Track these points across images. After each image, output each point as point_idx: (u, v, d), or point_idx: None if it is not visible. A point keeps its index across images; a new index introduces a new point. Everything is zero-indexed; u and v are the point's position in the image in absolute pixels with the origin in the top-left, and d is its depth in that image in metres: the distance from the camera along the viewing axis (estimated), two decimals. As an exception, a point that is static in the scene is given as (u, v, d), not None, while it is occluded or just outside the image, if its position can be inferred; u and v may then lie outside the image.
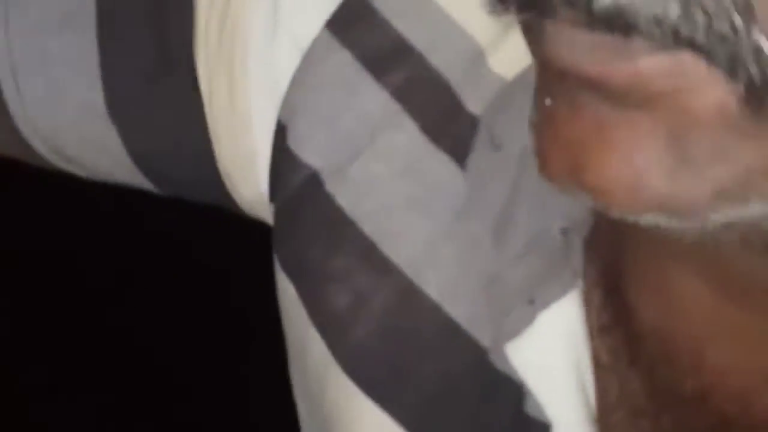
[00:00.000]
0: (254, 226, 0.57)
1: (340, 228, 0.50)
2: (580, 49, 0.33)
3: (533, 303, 0.46)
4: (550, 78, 0.35)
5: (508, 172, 0.47)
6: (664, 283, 0.44)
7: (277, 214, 0.52)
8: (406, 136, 0.49)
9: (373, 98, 0.50)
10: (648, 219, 0.35)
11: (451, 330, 0.49)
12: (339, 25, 0.50)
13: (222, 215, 0.60)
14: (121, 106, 0.53)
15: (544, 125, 0.36)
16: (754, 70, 0.32)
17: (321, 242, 0.50)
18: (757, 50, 0.32)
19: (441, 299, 0.49)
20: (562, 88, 0.35)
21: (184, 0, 0.52)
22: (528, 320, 0.46)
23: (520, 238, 0.47)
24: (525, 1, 0.34)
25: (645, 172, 0.34)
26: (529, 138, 0.37)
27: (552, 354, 0.46)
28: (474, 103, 0.49)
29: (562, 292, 0.46)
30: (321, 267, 0.51)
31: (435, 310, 0.49)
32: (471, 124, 0.49)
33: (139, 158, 0.54)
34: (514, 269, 0.47)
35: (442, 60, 0.49)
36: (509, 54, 0.48)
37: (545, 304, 0.46)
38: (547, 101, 0.35)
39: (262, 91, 0.51)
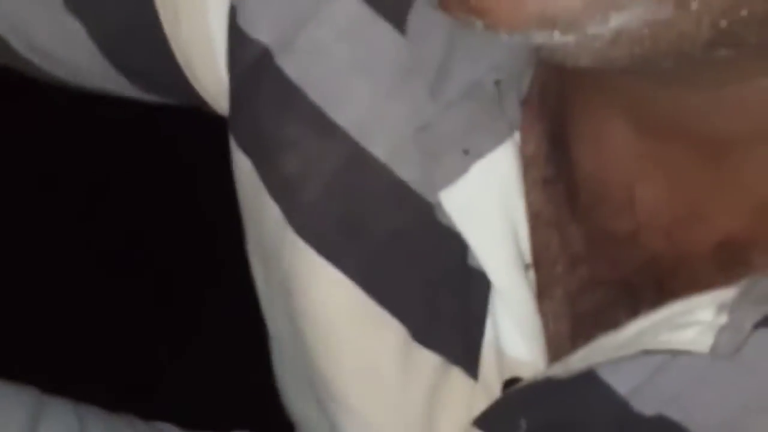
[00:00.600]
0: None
1: (289, 98, 0.52)
2: None
3: (468, 153, 0.48)
4: None
5: (445, 27, 0.49)
6: (598, 131, 0.47)
7: (232, 93, 0.54)
8: (349, 4, 0.51)
9: None
10: (534, 36, 0.37)
11: (398, 187, 0.51)
12: None
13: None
14: None
15: None
16: None
17: (273, 113, 0.53)
18: None
19: (388, 160, 0.51)
20: None
21: None
22: (462, 169, 0.48)
23: (454, 89, 0.49)
24: None
25: None
26: None
27: (485, 202, 0.48)
28: None
29: (497, 142, 0.48)
30: (273, 137, 0.53)
31: (383, 169, 0.51)
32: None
33: (104, 48, 0.56)
34: (446, 118, 0.49)
35: None
36: None
37: (479, 155, 0.48)
38: None
39: None
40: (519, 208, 0.48)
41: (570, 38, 0.37)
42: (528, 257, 0.48)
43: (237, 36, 0.53)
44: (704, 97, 0.42)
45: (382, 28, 0.51)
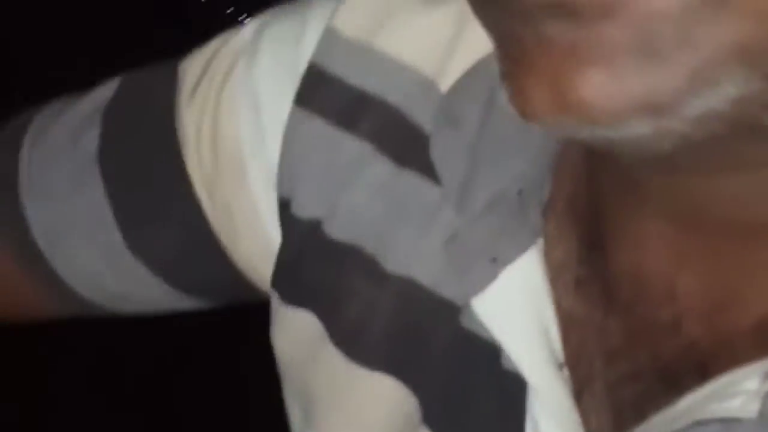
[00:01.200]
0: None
1: (343, 255, 0.57)
2: None
3: (495, 261, 0.50)
4: (513, 24, 0.38)
5: (467, 144, 0.53)
6: (635, 231, 0.48)
7: (281, 256, 0.59)
8: (380, 168, 0.56)
9: (349, 146, 0.57)
10: (631, 129, 0.37)
11: (445, 307, 0.54)
12: (304, 98, 0.58)
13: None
14: (138, 240, 0.62)
15: (517, 68, 0.38)
16: None
17: (330, 270, 0.57)
18: None
19: (431, 283, 0.54)
20: (527, 28, 0.37)
21: (169, 139, 0.61)
22: (491, 276, 0.51)
23: (479, 200, 0.52)
24: None
25: (624, 76, 0.36)
26: (503, 94, 0.40)
27: (515, 306, 0.50)
28: (430, 125, 0.55)
29: (522, 249, 0.51)
30: (334, 289, 0.57)
31: (430, 294, 0.54)
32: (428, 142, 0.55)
33: (169, 279, 0.63)
34: (473, 229, 0.52)
35: (398, 97, 0.56)
36: (455, 75, 0.54)
37: (506, 262, 0.51)
38: (514, 46, 0.38)
39: (260, 182, 0.59)
40: (548, 309, 0.50)
41: (665, 123, 0.37)
42: (561, 356, 0.50)
43: (290, 222, 0.58)
44: (741, 182, 0.43)
45: (414, 179, 0.55)
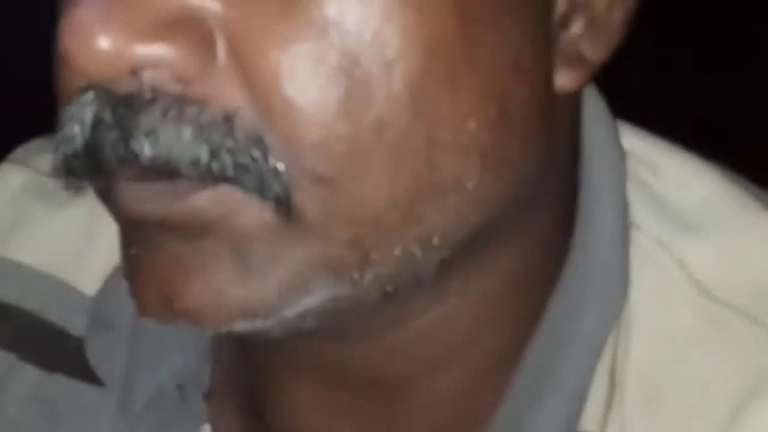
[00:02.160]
0: None
1: None
2: (144, 198, 0.40)
3: None
4: (130, 228, 0.42)
5: (122, 346, 0.54)
6: (290, 393, 0.51)
7: None
8: (26, 376, 0.56)
9: None
10: (236, 326, 0.42)
11: None
12: None
13: None
14: None
15: (134, 271, 0.42)
16: (276, 188, 0.40)
17: None
18: (276, 172, 0.40)
19: None
20: (141, 235, 0.41)
21: None
22: None
23: (139, 400, 0.53)
24: (89, 169, 0.40)
25: (222, 288, 0.41)
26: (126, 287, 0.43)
27: None
28: (75, 326, 0.56)
29: None
30: None
31: None
32: (79, 345, 0.56)
33: None
34: (137, 428, 0.53)
35: (35, 303, 0.57)
36: (92, 273, 0.57)
37: None
38: (133, 250, 0.42)
39: None
40: None
41: (269, 322, 0.41)
42: None
43: None
44: (369, 348, 0.47)
45: (64, 383, 0.56)
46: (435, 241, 0.42)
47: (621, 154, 0.50)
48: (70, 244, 0.58)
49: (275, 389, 0.52)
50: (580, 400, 0.47)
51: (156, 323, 0.42)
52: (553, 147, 0.46)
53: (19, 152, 0.61)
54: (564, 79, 0.45)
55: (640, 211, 0.49)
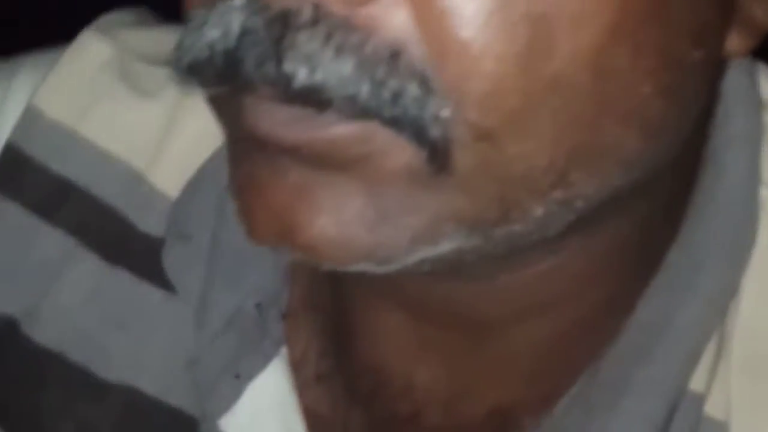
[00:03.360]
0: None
1: (46, 364, 0.53)
2: (278, 120, 0.37)
3: (239, 377, 0.50)
4: (250, 147, 0.38)
5: (201, 259, 0.51)
6: (375, 320, 0.49)
7: None
8: (86, 266, 0.53)
9: (50, 240, 0.53)
10: (355, 268, 0.39)
11: (177, 417, 0.52)
12: (0, 181, 0.54)
13: None
14: None
15: (247, 190, 0.39)
16: (434, 135, 0.36)
17: (28, 382, 0.53)
18: (437, 119, 0.36)
19: (158, 392, 0.52)
20: (265, 157, 0.38)
21: None
22: (236, 394, 0.50)
23: (217, 318, 0.51)
24: (220, 79, 0.37)
25: (349, 227, 0.38)
26: (232, 203, 0.40)
27: (263, 422, 0.50)
28: (145, 223, 0.53)
29: (265, 362, 0.50)
30: (34, 406, 0.53)
31: (157, 403, 0.52)
32: (147, 242, 0.53)
33: None
34: (214, 349, 0.50)
35: (104, 189, 0.53)
36: (167, 169, 0.53)
37: (251, 376, 0.50)
38: (248, 167, 0.39)
39: None
40: (297, 422, 0.50)
41: (387, 268, 0.39)
42: None
43: None
44: (475, 288, 0.46)
45: (126, 280, 0.53)
46: (578, 203, 0.40)
47: (758, 104, 0.47)
48: (149, 135, 0.54)
49: (360, 315, 0.49)
50: (694, 357, 0.45)
51: (267, 250, 0.40)
52: (702, 109, 0.44)
53: (104, 22, 0.56)
54: (734, 44, 0.42)
55: None
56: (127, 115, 0.54)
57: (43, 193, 0.54)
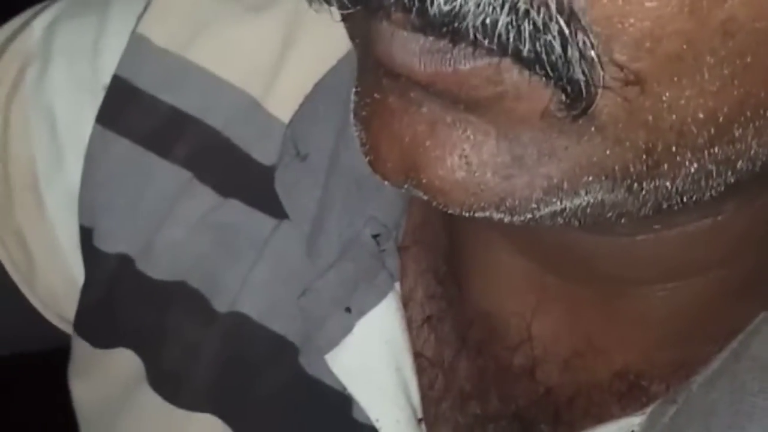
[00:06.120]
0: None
1: (168, 291, 0.51)
2: (413, 50, 0.33)
3: (350, 311, 0.47)
4: (380, 74, 0.35)
5: (317, 181, 0.48)
6: (493, 264, 0.45)
7: (86, 295, 0.53)
8: (200, 200, 0.50)
9: (163, 174, 0.51)
10: (482, 214, 0.36)
11: (276, 341, 0.49)
12: (108, 117, 0.51)
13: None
14: None
15: (375, 120, 0.36)
16: (578, 76, 0.32)
17: (155, 307, 0.51)
18: (583, 58, 0.32)
19: (262, 318, 0.49)
20: (394, 86, 0.35)
21: None
22: (347, 329, 0.47)
23: (332, 246, 0.48)
24: (355, 1, 0.34)
25: (480, 171, 0.34)
26: (355, 130, 0.37)
27: (372, 359, 0.47)
28: (260, 152, 0.50)
29: (379, 297, 0.47)
30: (155, 328, 0.51)
31: (261, 329, 0.49)
32: (261, 172, 0.50)
33: None
34: (326, 280, 0.47)
35: (218, 119, 0.50)
36: (283, 94, 0.49)
37: (362, 312, 0.47)
38: (377, 95, 0.35)
39: (60, 209, 0.53)
40: (407, 362, 0.47)
41: (518, 218, 0.36)
42: (419, 410, 0.46)
43: (93, 255, 0.52)
44: (614, 244, 0.42)
45: (238, 210, 0.50)
46: (740, 164, 0.35)
47: None
48: (263, 57, 0.50)
49: (475, 256, 0.46)
50: None
51: (388, 184, 0.36)
52: None
53: None
54: None
55: None
56: (239, 36, 0.50)
57: (155, 126, 0.51)
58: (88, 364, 0.54)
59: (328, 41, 0.45)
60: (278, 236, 0.49)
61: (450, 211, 0.36)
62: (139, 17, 0.51)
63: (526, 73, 0.32)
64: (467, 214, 0.36)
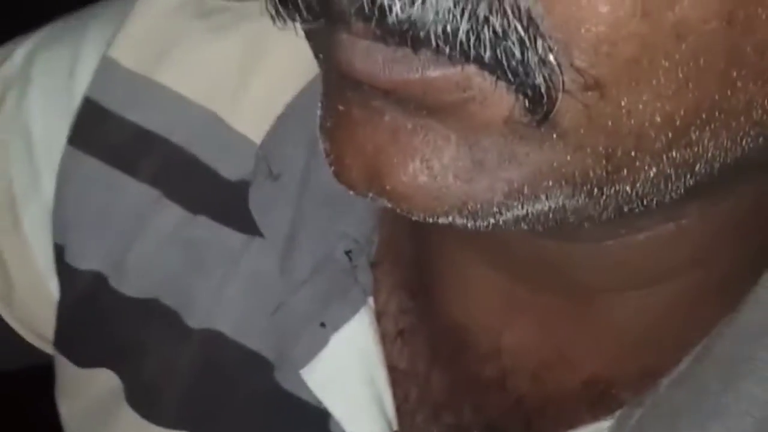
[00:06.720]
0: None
1: (143, 307, 0.52)
2: (374, 60, 0.34)
3: (325, 326, 0.47)
4: (343, 84, 0.36)
5: (289, 200, 0.49)
6: (463, 277, 0.46)
7: (62, 312, 0.54)
8: (169, 216, 0.51)
9: (132, 192, 0.52)
10: (445, 220, 0.36)
11: (253, 360, 0.50)
12: (79, 137, 0.53)
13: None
14: None
15: (338, 131, 0.36)
16: (539, 81, 0.33)
17: (131, 323, 0.52)
18: (543, 63, 0.33)
19: (236, 335, 0.50)
20: (356, 95, 0.35)
21: None
22: (321, 343, 0.48)
23: (305, 263, 0.48)
24: (313, 12, 0.34)
25: (441, 175, 0.35)
26: (321, 143, 0.38)
27: (347, 373, 0.47)
28: (226, 168, 0.51)
29: (352, 312, 0.48)
30: (131, 345, 0.52)
31: (235, 345, 0.50)
32: (228, 187, 0.51)
33: None
34: (300, 296, 0.48)
35: (183, 136, 0.51)
36: (248, 110, 0.51)
37: (336, 327, 0.47)
38: (340, 107, 0.36)
39: (36, 228, 0.54)
40: (382, 375, 0.47)
41: (480, 223, 0.36)
42: (395, 424, 0.47)
43: (66, 271, 0.53)
44: (581, 251, 0.42)
45: (208, 227, 0.51)
46: (698, 167, 0.36)
47: None
48: (227, 75, 0.51)
49: (445, 269, 0.46)
50: None
51: (353, 194, 0.37)
52: None
53: None
54: None
55: None
56: (202, 55, 0.52)
57: (123, 145, 0.52)
58: (73, 384, 0.55)
59: (294, 58, 0.46)
60: (251, 253, 0.50)
61: (414, 218, 0.36)
62: (109, 42, 0.53)
63: (490, 79, 0.33)
64: (431, 220, 0.36)
